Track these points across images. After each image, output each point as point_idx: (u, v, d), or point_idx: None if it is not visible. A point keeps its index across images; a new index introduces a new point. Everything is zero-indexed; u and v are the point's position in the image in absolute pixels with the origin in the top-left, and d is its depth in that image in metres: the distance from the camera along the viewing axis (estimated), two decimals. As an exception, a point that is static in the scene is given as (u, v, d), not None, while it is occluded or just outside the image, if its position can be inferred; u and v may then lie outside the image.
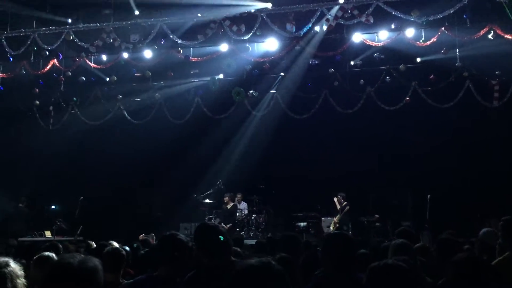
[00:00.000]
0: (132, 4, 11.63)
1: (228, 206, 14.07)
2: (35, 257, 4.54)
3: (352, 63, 13.09)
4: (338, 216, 13.44)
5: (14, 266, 2.80)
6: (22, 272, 2.85)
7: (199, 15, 11.68)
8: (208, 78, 13.82)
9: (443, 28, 11.24)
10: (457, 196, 12.67)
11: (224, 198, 14.15)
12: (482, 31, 11.06)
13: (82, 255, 2.43)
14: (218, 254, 3.64)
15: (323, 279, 3.80)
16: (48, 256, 4.48)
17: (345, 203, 13.49)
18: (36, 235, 12.73)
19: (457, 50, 11.83)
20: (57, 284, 2.23)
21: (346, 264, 3.74)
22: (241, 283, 2.12)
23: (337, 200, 13.61)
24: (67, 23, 12.33)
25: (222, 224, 13.52)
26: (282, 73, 13.82)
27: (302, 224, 13.76)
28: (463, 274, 3.38)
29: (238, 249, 5.47)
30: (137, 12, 12.05)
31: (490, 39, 11.18)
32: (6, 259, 2.87)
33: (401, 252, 4.18)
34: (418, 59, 12.60)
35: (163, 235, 3.88)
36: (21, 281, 2.76)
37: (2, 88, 13.97)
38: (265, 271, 2.11)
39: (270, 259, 2.25)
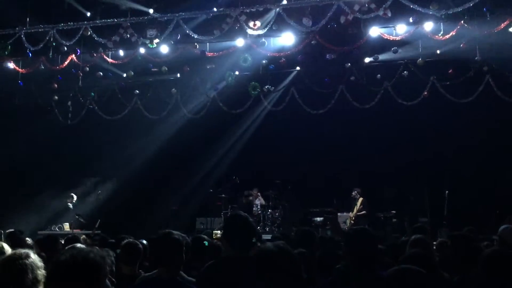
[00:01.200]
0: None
1: (245, 202, 14.11)
2: (66, 248, 4.60)
3: (366, 60, 12.97)
4: (354, 211, 13.37)
5: (34, 257, 2.85)
6: (42, 264, 2.89)
7: (214, 9, 11.67)
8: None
9: (462, 22, 11.05)
10: (475, 192, 12.50)
11: (245, 193, 14.18)
12: (502, 24, 10.83)
13: (97, 248, 2.41)
14: (246, 247, 3.62)
15: (344, 273, 3.80)
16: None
17: (361, 199, 13.40)
18: (54, 228, 12.94)
19: (477, 44, 11.64)
20: (57, 284, 2.19)
21: (367, 261, 3.72)
22: (262, 266, 2.27)
23: (355, 195, 13.53)
24: (85, 19, 12.43)
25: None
26: (298, 68, 13.74)
27: (318, 219, 13.71)
28: (495, 269, 3.32)
29: (259, 244, 5.48)
30: (151, 11, 12.12)
31: (510, 32, 10.98)
32: (26, 250, 2.93)
33: (418, 247, 4.16)
34: (438, 51, 12.40)
35: (158, 236, 3.85)
36: (41, 272, 2.80)
37: (21, 83, 14.18)
38: (283, 255, 2.26)
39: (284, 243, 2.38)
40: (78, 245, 4.76)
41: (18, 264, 2.74)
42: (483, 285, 3.42)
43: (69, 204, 14.04)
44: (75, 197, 14.07)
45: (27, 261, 2.77)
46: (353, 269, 3.74)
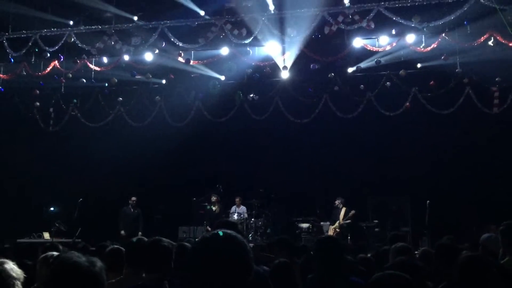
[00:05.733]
0: None
1: (214, 208, 13.95)
2: (41, 256, 4.54)
3: (349, 70, 13.13)
4: (338, 221, 13.38)
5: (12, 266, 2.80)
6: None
7: (202, 13, 11.69)
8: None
9: (443, 34, 11.28)
10: (456, 202, 12.66)
11: (212, 198, 13.93)
12: (482, 37, 11.10)
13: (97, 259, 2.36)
14: None
15: (316, 282, 3.83)
16: (54, 256, 4.46)
17: (345, 208, 13.43)
18: (34, 237, 12.71)
19: (457, 56, 11.88)
20: (64, 283, 2.16)
21: (336, 267, 3.78)
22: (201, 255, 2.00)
23: (338, 204, 13.54)
24: (68, 25, 12.36)
25: (208, 227, 13.31)
26: (282, 77, 13.82)
27: (304, 225, 13.72)
28: (469, 275, 3.33)
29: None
30: (136, 18, 12.12)
31: (490, 45, 11.22)
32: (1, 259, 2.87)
33: (402, 255, 4.20)
34: (419, 65, 12.64)
35: (147, 242, 3.80)
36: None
37: (2, 90, 13.98)
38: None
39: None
40: (53, 253, 4.69)
41: None
42: None
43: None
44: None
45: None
46: (325, 277, 3.77)
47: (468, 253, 4.31)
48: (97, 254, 5.37)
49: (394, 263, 3.61)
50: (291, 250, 5.70)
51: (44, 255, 4.60)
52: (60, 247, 6.08)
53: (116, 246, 5.05)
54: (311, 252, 5.10)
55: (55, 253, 4.62)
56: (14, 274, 2.74)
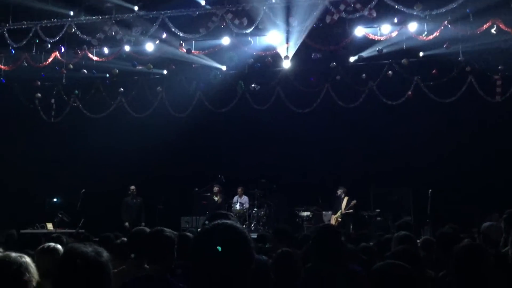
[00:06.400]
0: None
1: (216, 198, 13.99)
2: (39, 247, 4.52)
3: (351, 60, 13.06)
4: (340, 211, 13.40)
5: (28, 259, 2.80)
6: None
7: (203, 2, 11.63)
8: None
9: (446, 22, 11.20)
10: (458, 191, 12.66)
11: (214, 188, 13.94)
12: (485, 25, 11.01)
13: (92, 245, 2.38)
14: None
15: (314, 272, 3.83)
16: (53, 247, 4.45)
17: (347, 197, 13.45)
18: (37, 227, 12.77)
19: (460, 45, 11.82)
20: (71, 274, 2.17)
21: (334, 256, 3.78)
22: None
23: (340, 194, 13.56)
24: (69, 16, 12.32)
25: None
26: (284, 67, 13.77)
27: (305, 213, 13.77)
28: (464, 264, 3.33)
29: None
30: (136, 8, 12.07)
31: (493, 33, 11.15)
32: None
33: (404, 243, 4.21)
34: (421, 54, 12.57)
35: (149, 232, 3.80)
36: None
37: (4, 81, 13.98)
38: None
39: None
40: (52, 244, 4.68)
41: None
42: (456, 280, 3.44)
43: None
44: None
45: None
46: (320, 266, 3.77)
47: (469, 241, 4.32)
48: (101, 244, 5.39)
49: (395, 252, 3.61)
50: (290, 239, 5.71)
51: (41, 246, 4.59)
52: (65, 239, 6.11)
53: (123, 238, 5.07)
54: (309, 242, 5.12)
55: (53, 244, 4.62)
56: (32, 270, 2.73)
